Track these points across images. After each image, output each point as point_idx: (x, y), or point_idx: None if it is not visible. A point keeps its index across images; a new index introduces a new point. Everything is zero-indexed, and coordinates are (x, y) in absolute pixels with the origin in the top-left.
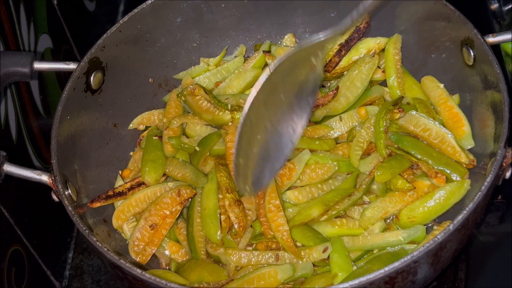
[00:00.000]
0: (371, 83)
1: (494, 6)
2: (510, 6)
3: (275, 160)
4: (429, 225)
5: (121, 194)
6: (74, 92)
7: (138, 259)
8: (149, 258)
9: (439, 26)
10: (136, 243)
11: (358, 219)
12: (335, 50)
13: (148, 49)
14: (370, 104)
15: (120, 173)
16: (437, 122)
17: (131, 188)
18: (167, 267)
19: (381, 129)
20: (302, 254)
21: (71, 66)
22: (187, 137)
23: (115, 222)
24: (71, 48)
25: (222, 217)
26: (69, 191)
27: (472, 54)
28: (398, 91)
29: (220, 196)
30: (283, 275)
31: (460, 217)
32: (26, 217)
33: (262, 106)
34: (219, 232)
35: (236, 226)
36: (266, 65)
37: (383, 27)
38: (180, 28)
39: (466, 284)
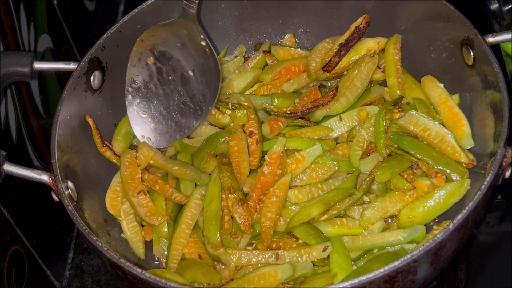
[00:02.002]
0: (371, 83)
1: (494, 6)
2: (510, 6)
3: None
4: (429, 224)
5: (101, 139)
6: (74, 92)
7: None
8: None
9: (439, 26)
10: (147, 214)
11: (358, 219)
12: (335, 50)
13: None
14: (370, 104)
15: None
16: (437, 122)
17: (108, 146)
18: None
19: (381, 129)
20: (302, 252)
21: (71, 66)
22: (189, 137)
23: (112, 211)
24: (71, 48)
25: (226, 217)
26: (69, 190)
27: (472, 54)
28: (398, 91)
29: (223, 196)
30: (283, 275)
31: (460, 217)
32: (26, 217)
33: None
34: (218, 234)
35: (241, 226)
36: (266, 65)
37: (383, 27)
38: None
39: (466, 284)
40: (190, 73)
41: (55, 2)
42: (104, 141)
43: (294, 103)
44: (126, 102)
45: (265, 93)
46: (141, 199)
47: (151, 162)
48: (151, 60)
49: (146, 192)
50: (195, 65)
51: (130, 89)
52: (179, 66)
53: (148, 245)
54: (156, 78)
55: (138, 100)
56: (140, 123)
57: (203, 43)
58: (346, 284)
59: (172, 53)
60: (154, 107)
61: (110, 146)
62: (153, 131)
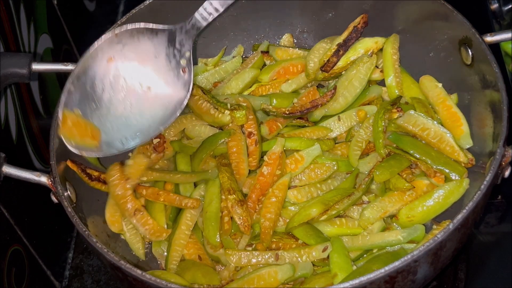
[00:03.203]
0: (369, 82)
1: (494, 6)
2: (510, 6)
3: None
4: (428, 224)
5: (88, 175)
6: None
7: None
8: None
9: (437, 25)
10: (151, 232)
11: (358, 218)
12: (333, 50)
13: None
14: (368, 104)
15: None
16: (435, 122)
17: (97, 178)
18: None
19: (380, 128)
20: (302, 253)
21: (70, 67)
22: (188, 138)
23: (113, 228)
24: (71, 48)
25: (225, 218)
26: (68, 192)
27: (470, 53)
28: (396, 91)
29: (223, 197)
30: (283, 275)
31: (460, 216)
32: (26, 217)
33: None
34: (218, 235)
35: (240, 227)
36: (264, 65)
37: (381, 27)
38: None
39: (466, 284)
40: (148, 88)
41: (55, 2)
42: (92, 175)
43: (293, 103)
44: (65, 89)
45: (264, 94)
46: (139, 218)
47: (151, 178)
48: (111, 59)
49: (142, 209)
50: (156, 82)
51: (75, 80)
52: (137, 76)
53: (147, 245)
54: (107, 80)
55: (78, 95)
56: None
57: (182, 62)
58: (346, 284)
59: (138, 61)
60: (91, 110)
61: (100, 178)
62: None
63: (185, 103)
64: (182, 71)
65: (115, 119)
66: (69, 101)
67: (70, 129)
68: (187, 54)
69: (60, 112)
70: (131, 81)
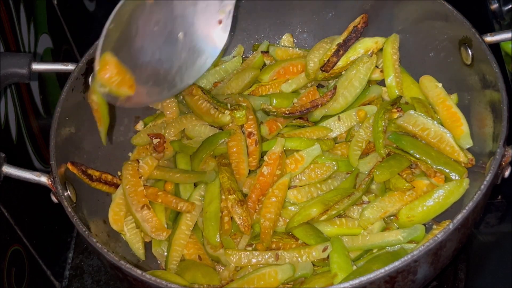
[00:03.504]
0: (369, 82)
1: (494, 6)
2: (510, 6)
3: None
4: (428, 224)
5: (89, 176)
6: (73, 93)
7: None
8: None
9: (437, 25)
10: (153, 230)
11: (358, 218)
12: (333, 50)
13: None
14: (368, 104)
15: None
16: (435, 122)
17: (98, 179)
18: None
19: (380, 128)
20: (302, 253)
21: (69, 67)
22: (188, 138)
23: (114, 226)
24: (71, 48)
25: (226, 218)
26: (68, 192)
27: (470, 53)
28: (396, 91)
29: (223, 197)
30: (283, 275)
31: (460, 216)
32: (26, 217)
33: None
34: (218, 235)
35: (241, 227)
36: (264, 65)
37: (381, 26)
38: None
39: (466, 284)
40: (180, 35)
41: (55, 2)
42: (93, 176)
43: (293, 103)
44: (105, 29)
45: (264, 94)
46: (145, 214)
47: (151, 175)
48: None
49: (150, 206)
50: (189, 30)
51: (117, 17)
52: (171, 21)
53: (147, 246)
54: (141, 22)
55: (115, 37)
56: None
57: (221, 15)
58: (346, 284)
59: (175, 4)
60: (123, 55)
61: (101, 178)
62: None
63: (215, 57)
64: (218, 23)
65: (144, 66)
66: (107, 43)
67: (111, 76)
68: (229, 6)
69: (99, 54)
70: (164, 25)
